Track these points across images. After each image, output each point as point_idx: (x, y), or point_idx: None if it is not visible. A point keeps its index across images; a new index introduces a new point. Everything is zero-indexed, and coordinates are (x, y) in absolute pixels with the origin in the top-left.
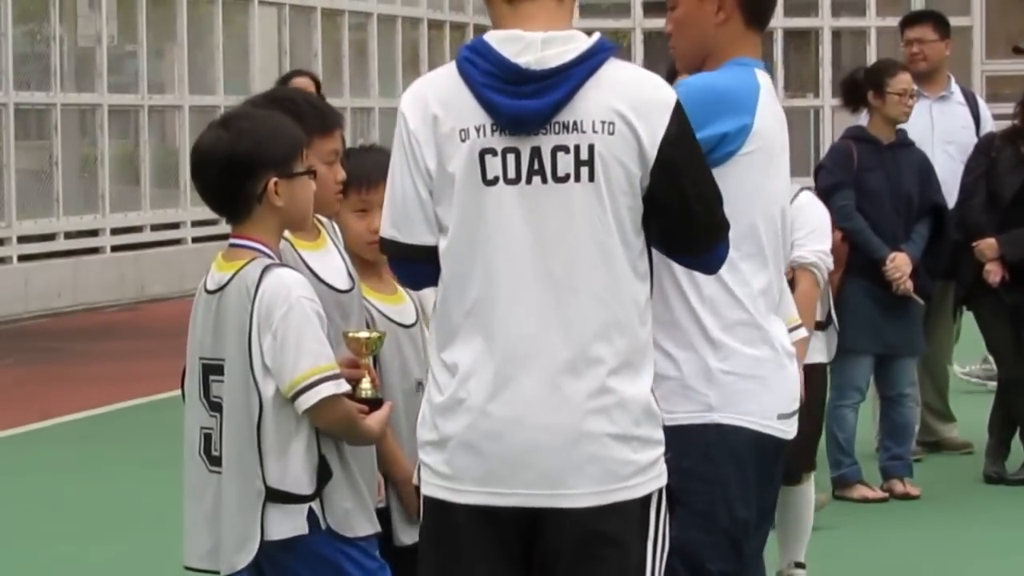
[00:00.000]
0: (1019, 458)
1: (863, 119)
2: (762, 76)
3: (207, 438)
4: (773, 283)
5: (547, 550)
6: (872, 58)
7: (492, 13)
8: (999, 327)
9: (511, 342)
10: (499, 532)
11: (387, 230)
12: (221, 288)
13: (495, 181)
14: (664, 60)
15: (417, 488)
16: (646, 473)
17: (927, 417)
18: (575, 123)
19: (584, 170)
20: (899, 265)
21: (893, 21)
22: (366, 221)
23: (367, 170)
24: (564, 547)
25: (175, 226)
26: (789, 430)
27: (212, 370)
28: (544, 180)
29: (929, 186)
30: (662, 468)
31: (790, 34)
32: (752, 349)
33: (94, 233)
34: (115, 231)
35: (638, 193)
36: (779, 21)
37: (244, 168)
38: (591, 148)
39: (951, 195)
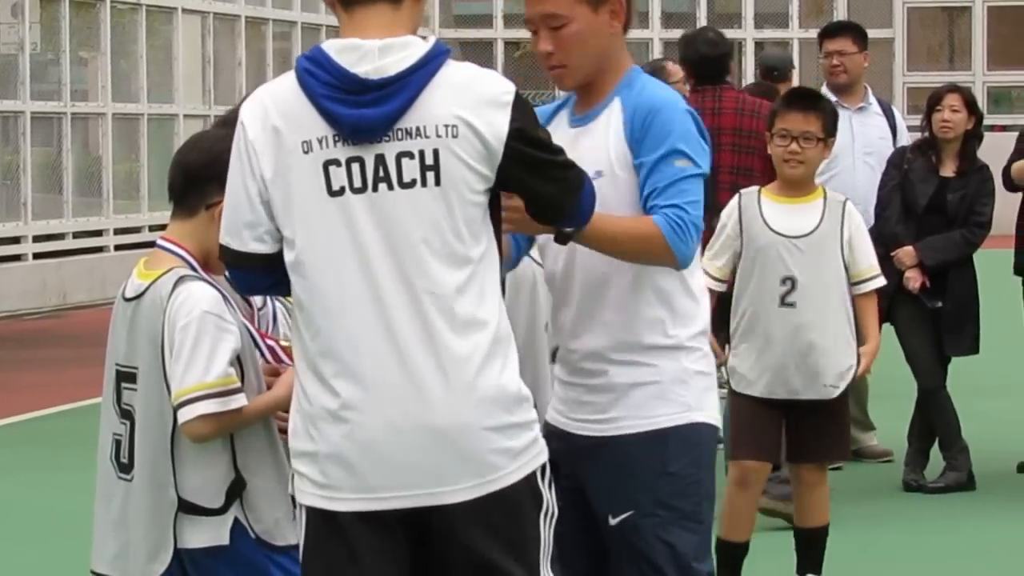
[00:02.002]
0: (938, 466)
1: None
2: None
3: (117, 444)
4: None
5: (434, 545)
6: (795, 69)
7: (339, 20)
8: (918, 336)
9: (376, 349)
10: (385, 534)
11: (223, 237)
12: (138, 296)
13: (341, 191)
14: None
15: (292, 498)
16: (527, 452)
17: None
18: (418, 128)
19: (430, 174)
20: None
21: (815, 32)
22: None
23: None
24: (449, 538)
25: (98, 233)
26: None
27: (125, 377)
28: (390, 187)
29: None
30: (541, 444)
31: None
32: (707, 350)
33: (16, 240)
34: (37, 238)
35: (483, 192)
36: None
37: (220, 173)
38: (435, 152)
39: (867, 208)
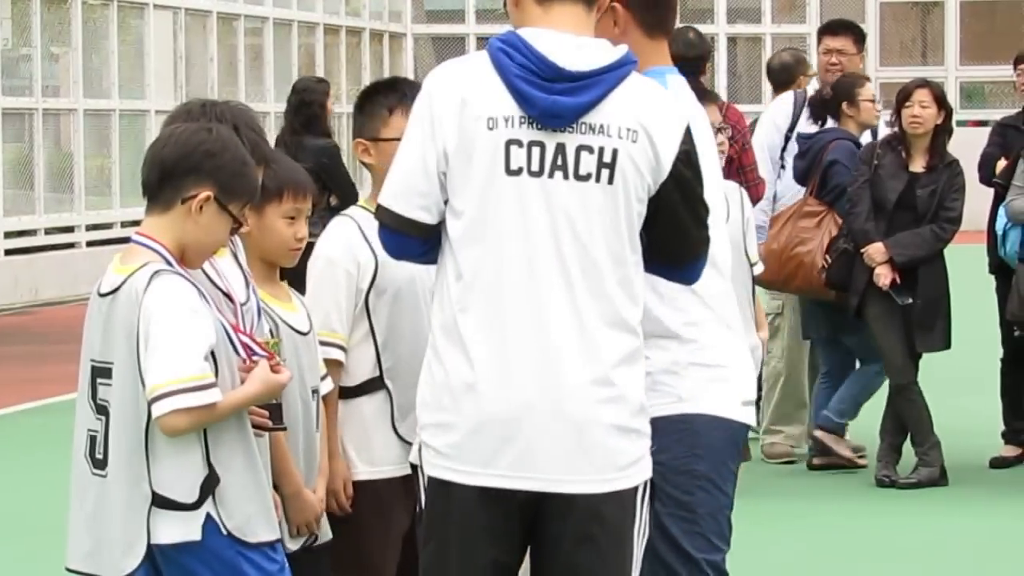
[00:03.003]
0: (910, 462)
1: None
2: (673, 80)
3: (92, 440)
4: (725, 287)
5: (551, 533)
6: (812, 62)
7: (518, 14)
8: (889, 332)
9: (522, 330)
10: (503, 514)
11: (386, 199)
12: (113, 291)
13: (519, 172)
14: None
15: (413, 467)
16: (639, 463)
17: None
18: (601, 126)
19: (605, 172)
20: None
21: (788, 28)
22: (294, 228)
23: (302, 179)
24: (568, 530)
25: (69, 230)
26: (751, 416)
27: (100, 373)
28: (566, 176)
29: None
30: (649, 460)
31: None
32: (714, 342)
33: None
34: (8, 235)
35: (645, 202)
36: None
37: (195, 165)
38: (615, 152)
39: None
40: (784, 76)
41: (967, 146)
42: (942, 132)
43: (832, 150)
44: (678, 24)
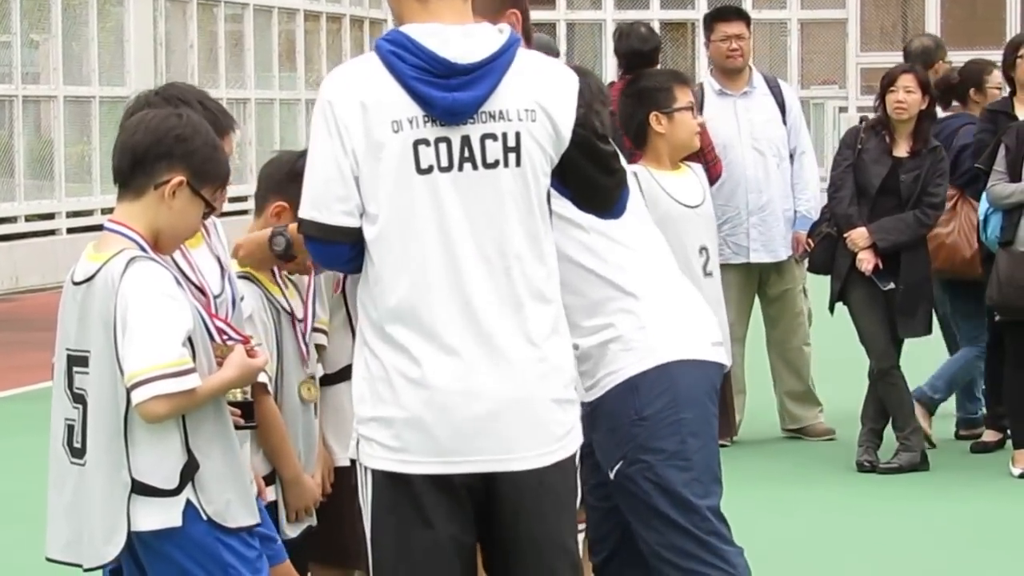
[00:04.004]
0: (891, 447)
1: None
2: None
3: (70, 430)
4: (661, 241)
5: (499, 509)
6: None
7: (397, 8)
8: (871, 317)
9: (456, 319)
10: (453, 496)
11: (307, 211)
12: (88, 279)
13: (429, 170)
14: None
15: (353, 461)
16: (574, 431)
17: (789, 404)
18: (501, 112)
19: (511, 156)
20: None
21: (675, 13)
22: None
23: None
24: (516, 505)
25: (50, 216)
26: (723, 356)
27: (77, 361)
28: (475, 167)
29: None
30: (579, 426)
31: (667, 26)
32: (669, 293)
33: None
34: None
35: (550, 173)
36: (655, 12)
37: (167, 150)
38: (517, 135)
39: (762, 194)
40: (926, 58)
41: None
42: (926, 117)
43: (962, 135)
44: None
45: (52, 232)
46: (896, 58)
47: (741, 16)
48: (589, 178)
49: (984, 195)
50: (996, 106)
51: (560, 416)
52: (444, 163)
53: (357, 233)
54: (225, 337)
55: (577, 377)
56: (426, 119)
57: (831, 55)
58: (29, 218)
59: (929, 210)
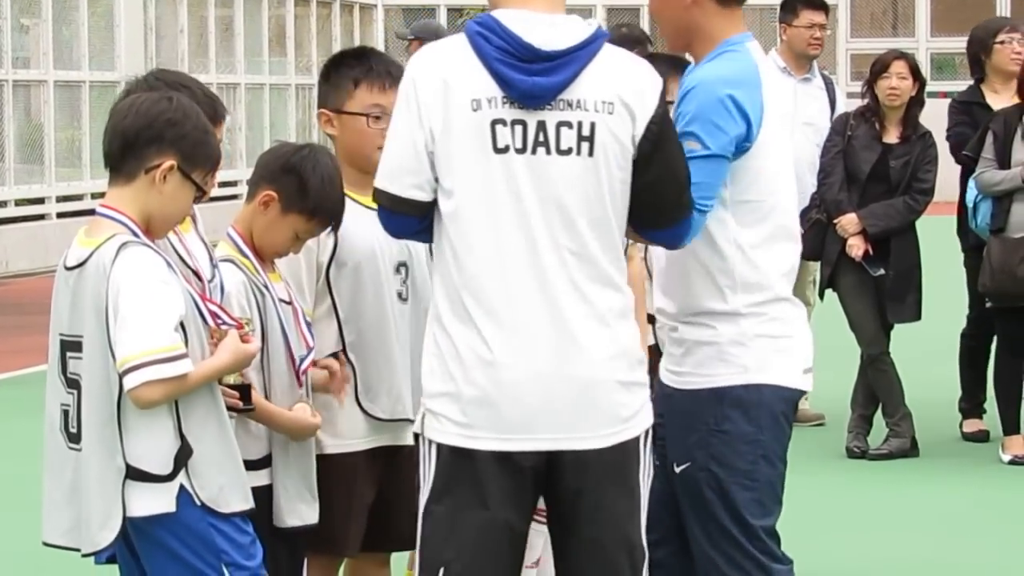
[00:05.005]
0: (881, 433)
1: None
2: (754, 50)
3: (65, 415)
4: (793, 263)
5: (563, 489)
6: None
7: None
8: (861, 303)
9: (527, 298)
10: (516, 477)
11: (380, 181)
12: (80, 264)
13: (505, 149)
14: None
15: (416, 436)
16: (640, 412)
17: None
18: (578, 101)
19: (585, 145)
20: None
21: None
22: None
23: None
24: (580, 485)
25: (40, 201)
26: (809, 383)
27: (70, 346)
28: (548, 152)
29: None
30: (649, 407)
31: None
32: (778, 314)
33: None
34: None
35: (629, 168)
36: None
37: (158, 134)
38: (592, 125)
39: (806, 176)
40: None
41: (938, 118)
42: (915, 104)
43: None
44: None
45: (42, 217)
46: (888, 44)
47: (825, 7)
48: (648, 182)
49: (972, 183)
50: (965, 96)
51: (626, 398)
52: (519, 145)
53: (426, 207)
54: (219, 321)
55: (644, 358)
56: (505, 100)
57: None
58: (19, 203)
59: (919, 196)
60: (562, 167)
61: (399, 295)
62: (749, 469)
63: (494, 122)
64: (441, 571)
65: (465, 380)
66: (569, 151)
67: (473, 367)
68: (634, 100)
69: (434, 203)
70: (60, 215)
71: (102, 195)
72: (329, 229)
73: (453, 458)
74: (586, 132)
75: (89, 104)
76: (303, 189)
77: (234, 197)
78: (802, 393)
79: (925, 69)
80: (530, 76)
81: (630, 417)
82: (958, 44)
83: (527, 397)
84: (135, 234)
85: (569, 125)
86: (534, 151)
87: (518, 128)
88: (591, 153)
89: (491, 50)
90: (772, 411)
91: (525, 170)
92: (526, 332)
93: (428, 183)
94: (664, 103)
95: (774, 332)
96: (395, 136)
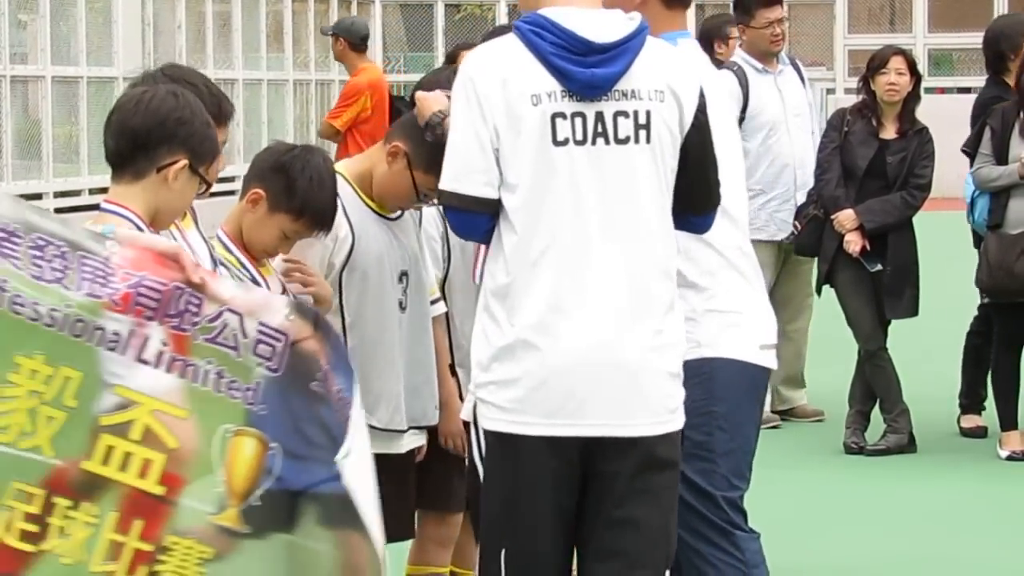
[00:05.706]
0: (879, 429)
1: None
2: (684, 43)
3: None
4: (740, 239)
5: (609, 474)
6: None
7: None
8: (858, 299)
9: (582, 286)
10: (564, 461)
11: (447, 183)
12: None
13: (565, 142)
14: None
15: (466, 424)
16: (682, 406)
17: (780, 386)
18: (633, 91)
19: (642, 133)
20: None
21: None
22: None
23: None
24: (626, 471)
25: (38, 197)
26: (771, 360)
27: None
28: (607, 142)
29: None
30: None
31: None
32: (728, 289)
33: None
34: None
35: (677, 156)
36: None
37: (169, 134)
38: (648, 114)
39: (806, 169)
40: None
41: (934, 114)
42: (912, 99)
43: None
44: None
45: None
46: (885, 40)
47: (780, 1)
48: (703, 168)
49: (970, 178)
50: (991, 93)
51: (673, 389)
52: (579, 136)
53: (495, 204)
54: None
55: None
56: (563, 93)
57: (819, 37)
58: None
59: (916, 191)
60: (620, 156)
61: (400, 304)
62: (703, 441)
63: (554, 115)
64: (502, 554)
65: (515, 367)
66: (627, 140)
67: (523, 355)
68: (681, 89)
69: (499, 202)
70: (58, 210)
71: (100, 191)
72: (348, 231)
73: (503, 443)
74: (642, 120)
75: (87, 100)
76: (291, 188)
77: (231, 193)
78: (765, 370)
79: (922, 65)
80: (588, 68)
81: (676, 408)
82: (955, 40)
83: (574, 383)
84: (140, 229)
85: (626, 114)
86: (594, 142)
87: (578, 120)
88: (648, 140)
89: (547, 46)
90: (727, 384)
91: (586, 162)
92: (577, 321)
93: (496, 180)
94: (703, 94)
95: (723, 307)
96: (459, 136)
